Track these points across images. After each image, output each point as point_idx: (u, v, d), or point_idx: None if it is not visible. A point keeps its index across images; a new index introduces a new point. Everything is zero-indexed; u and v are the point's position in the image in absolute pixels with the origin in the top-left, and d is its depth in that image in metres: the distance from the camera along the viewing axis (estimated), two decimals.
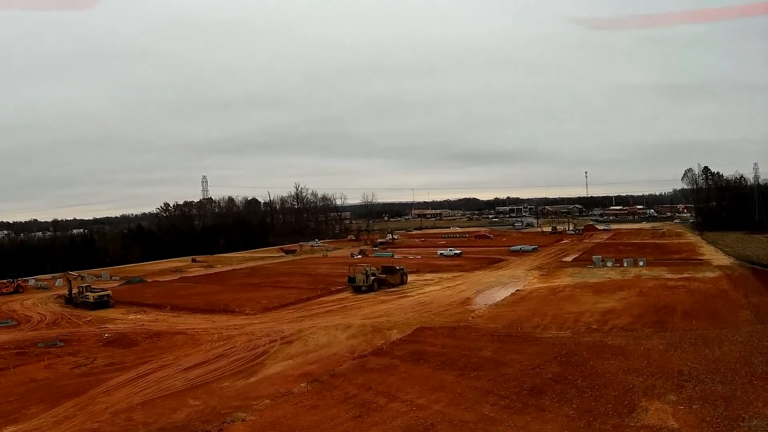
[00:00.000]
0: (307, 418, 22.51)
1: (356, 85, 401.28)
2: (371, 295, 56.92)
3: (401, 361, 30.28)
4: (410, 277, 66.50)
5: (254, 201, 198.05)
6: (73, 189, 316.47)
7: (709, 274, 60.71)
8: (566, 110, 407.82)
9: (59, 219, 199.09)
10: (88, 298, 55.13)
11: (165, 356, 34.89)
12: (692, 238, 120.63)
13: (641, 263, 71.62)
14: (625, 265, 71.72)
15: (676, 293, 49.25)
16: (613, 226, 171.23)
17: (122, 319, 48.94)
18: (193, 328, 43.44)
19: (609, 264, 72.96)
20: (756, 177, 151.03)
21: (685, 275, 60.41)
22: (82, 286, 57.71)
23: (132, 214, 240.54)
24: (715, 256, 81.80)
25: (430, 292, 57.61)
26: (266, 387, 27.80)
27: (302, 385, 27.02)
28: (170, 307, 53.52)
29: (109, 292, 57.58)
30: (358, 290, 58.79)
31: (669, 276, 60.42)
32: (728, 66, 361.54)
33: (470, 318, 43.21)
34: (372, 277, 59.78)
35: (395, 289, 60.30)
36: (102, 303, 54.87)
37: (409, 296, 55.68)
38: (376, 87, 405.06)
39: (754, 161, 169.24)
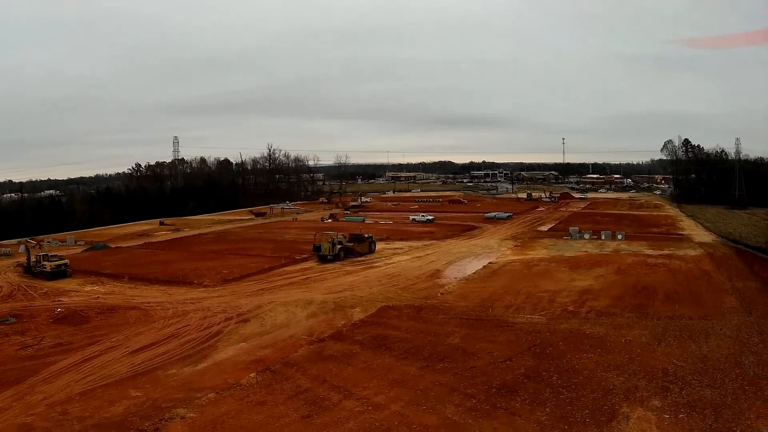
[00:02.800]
0: (251, 417, 20.51)
1: (333, 48, 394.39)
2: (337, 264, 54.59)
3: (361, 348, 28.14)
4: (379, 245, 64.08)
5: (226, 162, 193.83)
6: (47, 150, 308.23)
7: (691, 252, 58.89)
8: (547, 77, 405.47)
9: (34, 179, 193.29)
10: (45, 268, 52.07)
11: (114, 335, 32.60)
12: (671, 210, 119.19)
13: (620, 237, 69.70)
14: (603, 238, 69.79)
15: (656, 272, 47.41)
16: (590, 195, 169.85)
17: (78, 291, 46.19)
18: (148, 302, 40.97)
19: (586, 236, 71.08)
20: (738, 152, 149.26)
21: (666, 252, 58.62)
22: (40, 255, 54.52)
23: (106, 174, 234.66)
24: (695, 231, 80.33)
25: (399, 263, 55.30)
26: (214, 376, 25.57)
27: (251, 375, 24.87)
28: (128, 277, 50.68)
29: (66, 261, 54.39)
30: (323, 259, 56.37)
31: (649, 252, 58.64)
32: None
33: (439, 294, 41.09)
34: (338, 246, 57.33)
35: (362, 258, 57.99)
36: (59, 273, 51.88)
37: (377, 267, 53.42)
38: (353, 49, 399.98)
39: (736, 136, 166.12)
